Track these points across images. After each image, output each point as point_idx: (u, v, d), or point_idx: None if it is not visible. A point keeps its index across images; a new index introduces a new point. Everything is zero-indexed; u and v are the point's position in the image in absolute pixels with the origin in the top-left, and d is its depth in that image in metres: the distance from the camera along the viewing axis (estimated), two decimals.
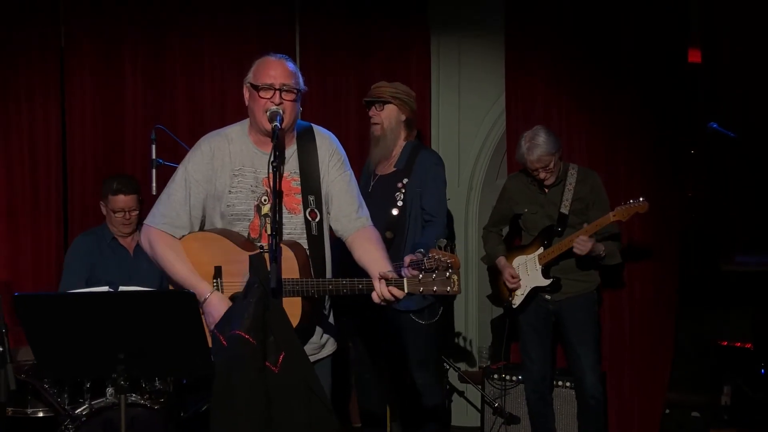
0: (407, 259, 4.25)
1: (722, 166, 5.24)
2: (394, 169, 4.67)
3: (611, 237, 4.76)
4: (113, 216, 4.70)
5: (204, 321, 3.19)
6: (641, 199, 4.55)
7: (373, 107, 4.70)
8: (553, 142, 4.70)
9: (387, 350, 4.81)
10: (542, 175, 4.74)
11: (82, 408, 3.94)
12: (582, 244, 4.57)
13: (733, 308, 5.52)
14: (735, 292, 5.44)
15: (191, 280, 3.25)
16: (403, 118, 4.68)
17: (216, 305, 3.19)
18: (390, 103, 4.65)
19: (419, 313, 4.60)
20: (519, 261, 4.90)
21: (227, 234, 3.31)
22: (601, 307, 5.19)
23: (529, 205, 4.89)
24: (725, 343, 5.35)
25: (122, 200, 4.67)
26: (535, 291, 4.85)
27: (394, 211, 4.58)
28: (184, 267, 3.28)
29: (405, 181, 4.61)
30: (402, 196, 4.59)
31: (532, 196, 4.89)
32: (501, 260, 4.96)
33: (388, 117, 4.66)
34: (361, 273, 3.26)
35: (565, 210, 4.77)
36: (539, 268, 4.81)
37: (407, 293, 3.13)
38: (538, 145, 4.67)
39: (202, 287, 3.23)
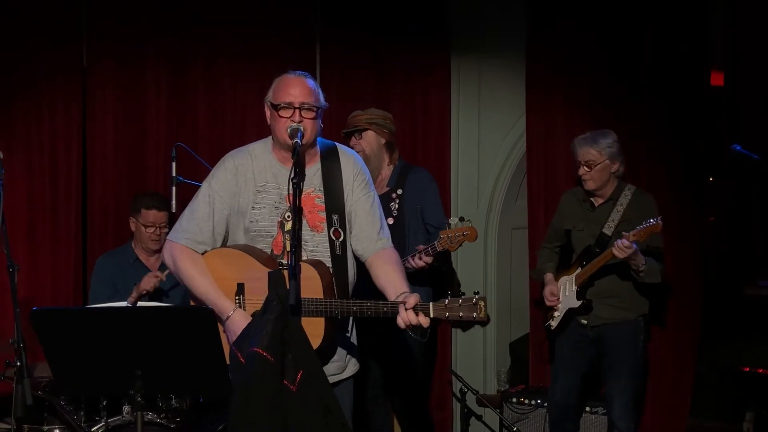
0: (420, 247, 4.35)
1: (745, 189, 5.20)
2: (387, 188, 4.78)
3: (655, 255, 4.54)
4: (144, 231, 4.73)
5: (225, 338, 3.18)
6: (656, 218, 4.37)
7: (353, 137, 4.82)
8: (611, 146, 4.54)
9: (392, 366, 4.83)
10: (581, 170, 4.59)
11: (98, 426, 3.93)
12: (622, 248, 4.32)
13: (756, 334, 5.46)
14: (758, 317, 5.39)
15: (213, 296, 3.25)
16: (383, 141, 4.81)
17: (239, 323, 3.17)
18: (367, 129, 4.77)
19: (413, 328, 4.61)
20: (562, 281, 4.73)
21: (250, 250, 3.30)
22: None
23: (577, 221, 4.73)
24: (747, 370, 5.28)
25: (155, 215, 4.73)
26: (571, 314, 4.68)
27: (389, 220, 4.62)
28: (207, 282, 3.27)
29: (399, 191, 4.75)
30: (396, 206, 4.73)
31: (582, 212, 4.73)
32: (547, 276, 4.79)
33: (368, 143, 4.79)
34: (379, 293, 3.26)
35: (607, 231, 4.58)
36: (575, 289, 4.64)
37: (433, 318, 3.10)
38: (595, 141, 4.55)
39: (224, 304, 3.23)
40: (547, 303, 4.72)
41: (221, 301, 3.24)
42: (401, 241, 4.59)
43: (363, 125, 4.78)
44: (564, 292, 4.71)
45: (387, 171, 4.83)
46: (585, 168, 4.58)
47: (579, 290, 4.63)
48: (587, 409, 4.97)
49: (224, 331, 3.24)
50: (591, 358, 4.73)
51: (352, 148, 4.72)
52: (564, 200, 4.88)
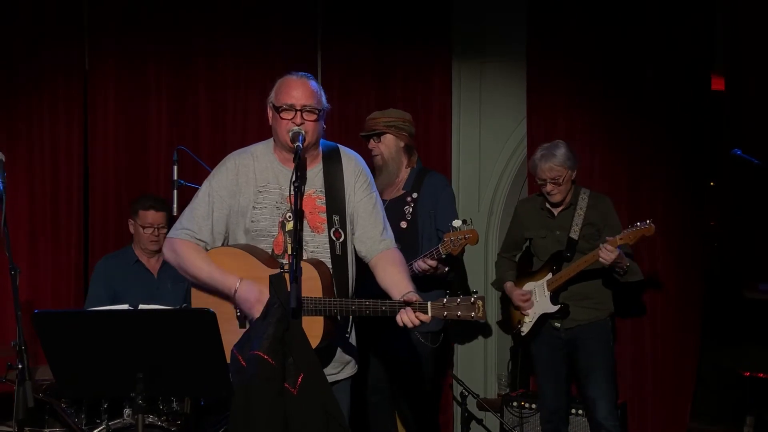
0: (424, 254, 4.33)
1: (746, 193, 5.18)
2: (403, 191, 4.73)
3: (629, 256, 4.59)
4: (142, 232, 4.74)
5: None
6: (648, 221, 4.40)
7: (371, 140, 4.76)
8: (570, 158, 4.62)
9: (400, 372, 4.80)
10: (549, 187, 4.63)
11: (99, 429, 3.93)
12: (607, 253, 4.38)
13: (756, 338, 5.45)
14: (759, 321, 5.38)
15: (217, 275, 3.28)
16: (402, 144, 4.75)
17: (248, 290, 3.20)
18: (386, 133, 4.71)
19: (425, 334, 4.64)
20: (528, 287, 4.78)
21: (251, 250, 3.32)
22: (622, 336, 5.10)
23: (539, 229, 4.79)
24: (748, 374, 5.28)
25: (153, 216, 4.74)
26: (544, 318, 4.72)
27: (403, 224, 4.63)
28: (210, 266, 3.30)
29: (414, 195, 4.69)
30: (411, 210, 4.67)
31: (542, 220, 4.79)
32: (508, 285, 4.86)
33: (387, 147, 4.73)
34: (383, 294, 3.26)
35: (574, 235, 4.65)
36: (548, 294, 4.68)
37: (431, 317, 3.11)
38: (553, 155, 4.59)
39: (229, 280, 3.25)
40: (523, 306, 4.74)
41: (226, 278, 3.25)
42: (414, 245, 4.57)
43: (381, 128, 4.72)
44: (534, 298, 4.75)
45: (404, 174, 4.77)
46: (552, 185, 4.62)
47: (552, 295, 4.67)
48: (572, 411, 4.98)
49: (236, 306, 3.27)
50: (565, 358, 4.78)
51: (371, 151, 4.74)
52: (521, 209, 4.94)
